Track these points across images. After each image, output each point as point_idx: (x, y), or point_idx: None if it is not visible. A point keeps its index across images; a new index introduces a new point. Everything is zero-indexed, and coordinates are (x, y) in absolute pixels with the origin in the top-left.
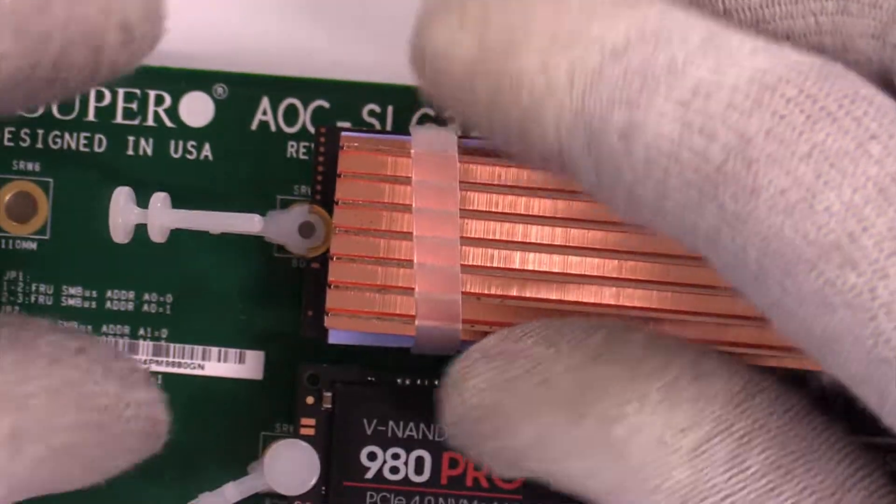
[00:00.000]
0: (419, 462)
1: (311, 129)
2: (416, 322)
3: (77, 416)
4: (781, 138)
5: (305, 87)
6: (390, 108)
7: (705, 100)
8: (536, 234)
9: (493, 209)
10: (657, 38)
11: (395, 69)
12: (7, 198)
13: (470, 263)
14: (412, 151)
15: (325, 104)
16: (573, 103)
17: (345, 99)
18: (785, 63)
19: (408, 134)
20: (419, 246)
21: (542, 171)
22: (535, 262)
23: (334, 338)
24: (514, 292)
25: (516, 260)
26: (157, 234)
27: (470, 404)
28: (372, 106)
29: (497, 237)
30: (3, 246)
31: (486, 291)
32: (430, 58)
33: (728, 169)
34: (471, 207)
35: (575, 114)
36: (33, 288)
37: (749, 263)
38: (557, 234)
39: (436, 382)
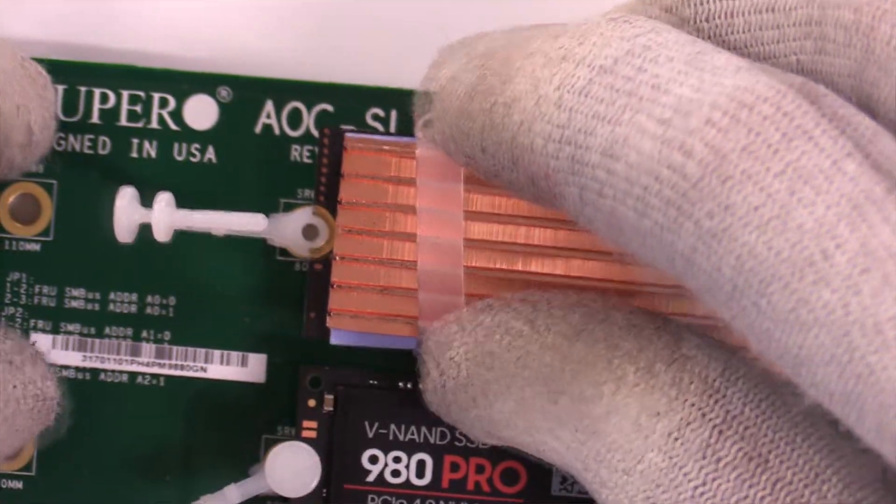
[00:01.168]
0: (420, 465)
1: (315, 133)
2: (419, 323)
3: None
4: (757, 155)
5: (310, 91)
6: (394, 113)
7: (685, 117)
8: (540, 236)
9: (497, 211)
10: (644, 56)
11: (399, 73)
12: (11, 199)
13: (473, 265)
14: (417, 152)
15: (329, 108)
16: (560, 118)
17: (349, 103)
18: (765, 82)
19: (412, 135)
20: (422, 247)
21: (531, 201)
22: (538, 264)
23: (336, 338)
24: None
25: (519, 262)
26: (162, 234)
27: (448, 375)
28: (376, 110)
29: (500, 239)
30: (6, 247)
31: (489, 293)
32: (434, 91)
33: (704, 185)
34: (474, 209)
35: (561, 129)
36: (36, 289)
37: (724, 284)
38: (561, 237)
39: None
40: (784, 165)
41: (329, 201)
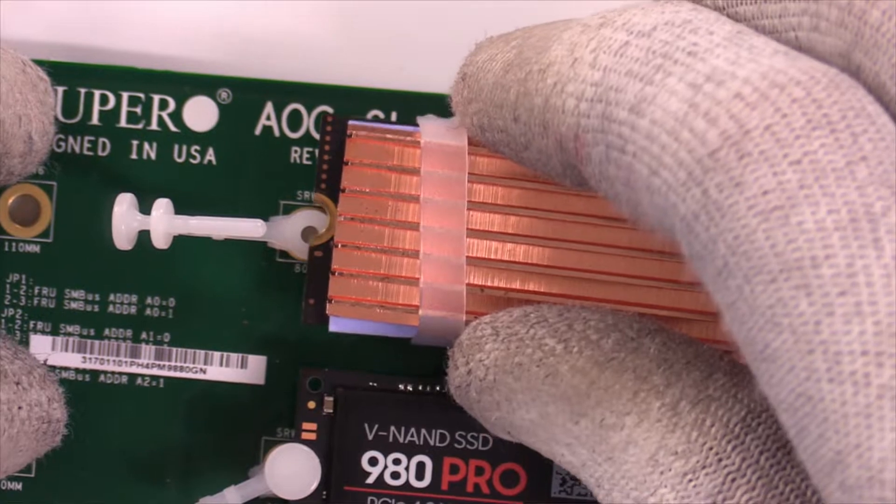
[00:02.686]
0: (420, 467)
1: (315, 135)
2: (420, 312)
3: None
4: (778, 137)
5: (309, 93)
6: (394, 115)
7: (716, 86)
8: (542, 227)
9: (499, 202)
10: (684, 27)
11: (399, 75)
12: (10, 201)
13: (474, 255)
14: (422, 141)
15: (329, 109)
16: (594, 77)
17: (349, 104)
18: (800, 66)
19: (415, 125)
20: (425, 236)
21: (556, 174)
22: (539, 255)
23: (335, 326)
24: (518, 285)
25: (520, 253)
26: (161, 241)
27: (474, 375)
28: (376, 111)
29: (502, 230)
30: (6, 249)
31: (489, 283)
32: (472, 73)
33: (721, 156)
34: (476, 199)
35: (595, 87)
36: (36, 291)
37: (716, 258)
38: (562, 229)
39: (437, 388)
40: (801, 154)
41: (330, 189)
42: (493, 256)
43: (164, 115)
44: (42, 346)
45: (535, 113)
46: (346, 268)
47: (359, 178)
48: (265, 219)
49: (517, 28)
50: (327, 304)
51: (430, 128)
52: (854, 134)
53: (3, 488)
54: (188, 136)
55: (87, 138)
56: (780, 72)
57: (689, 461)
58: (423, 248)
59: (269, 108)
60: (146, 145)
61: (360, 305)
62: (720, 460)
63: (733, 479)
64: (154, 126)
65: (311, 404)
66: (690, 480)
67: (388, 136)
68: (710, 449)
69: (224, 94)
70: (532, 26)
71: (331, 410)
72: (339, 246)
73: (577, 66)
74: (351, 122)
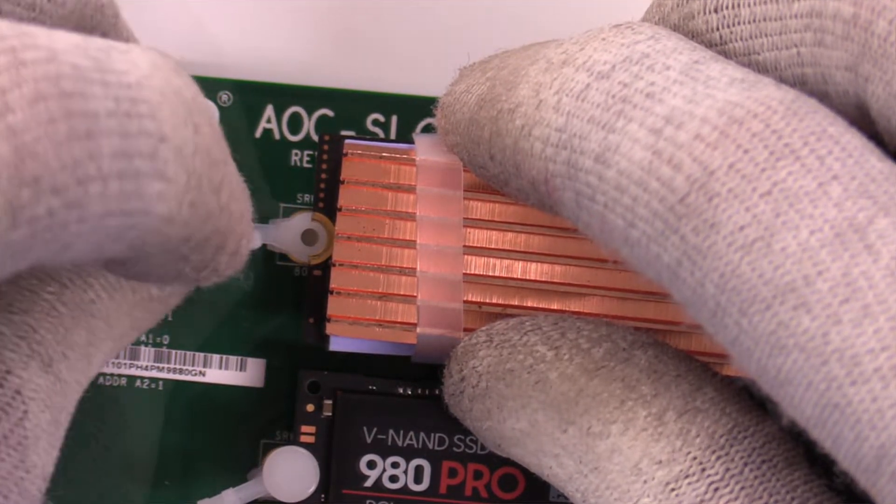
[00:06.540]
0: (418, 471)
1: (316, 138)
2: (418, 330)
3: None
4: (744, 173)
5: (310, 96)
6: (394, 118)
7: (676, 129)
8: (539, 243)
9: (496, 218)
10: (641, 63)
11: (399, 79)
12: None
13: (472, 272)
14: (417, 159)
15: (330, 113)
16: (558, 122)
17: (349, 108)
18: (756, 97)
19: (411, 142)
20: (422, 254)
21: (540, 210)
22: (536, 272)
23: (335, 345)
24: (516, 302)
25: (518, 269)
26: None
27: (467, 382)
28: (376, 115)
29: (499, 246)
30: None
31: (487, 300)
32: (449, 103)
33: (691, 201)
34: (473, 216)
35: (559, 133)
36: None
37: (707, 299)
38: (559, 245)
39: (436, 392)
40: (770, 185)
41: (328, 208)
42: (490, 273)
43: None
44: None
45: (508, 154)
46: (345, 287)
47: (356, 197)
48: (265, 222)
49: (496, 53)
50: (326, 324)
51: (425, 145)
52: (820, 157)
53: None
54: None
55: None
56: (736, 105)
57: (672, 470)
58: (419, 267)
59: (269, 110)
60: None
61: (358, 324)
62: (703, 470)
63: (716, 489)
64: None
65: (310, 407)
66: (672, 489)
67: (385, 154)
68: (694, 458)
69: (224, 97)
70: (508, 53)
71: (329, 413)
72: (337, 265)
73: (542, 109)
74: (347, 142)
